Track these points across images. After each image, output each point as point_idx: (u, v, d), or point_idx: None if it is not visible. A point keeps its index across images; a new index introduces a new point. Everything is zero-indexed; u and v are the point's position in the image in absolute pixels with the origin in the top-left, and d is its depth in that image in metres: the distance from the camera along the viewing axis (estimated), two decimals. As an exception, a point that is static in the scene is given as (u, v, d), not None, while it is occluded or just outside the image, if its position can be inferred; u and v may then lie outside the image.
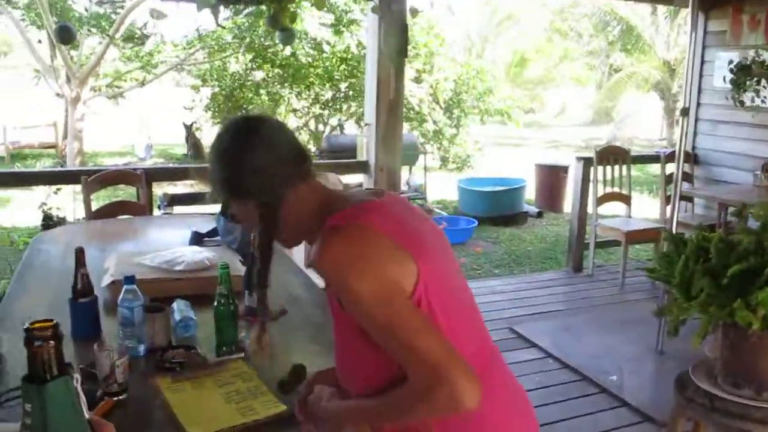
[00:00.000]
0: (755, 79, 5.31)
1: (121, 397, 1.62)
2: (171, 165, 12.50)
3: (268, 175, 1.32)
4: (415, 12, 4.11)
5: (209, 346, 1.93)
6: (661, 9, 15.11)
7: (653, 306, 4.20)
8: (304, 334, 2.15)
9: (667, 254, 1.83)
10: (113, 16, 11.67)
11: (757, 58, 5.29)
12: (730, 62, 5.48)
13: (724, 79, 5.54)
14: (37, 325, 0.73)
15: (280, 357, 1.96)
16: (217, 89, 13.32)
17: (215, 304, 1.91)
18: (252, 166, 1.32)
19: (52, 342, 0.73)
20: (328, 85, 12.23)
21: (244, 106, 12.58)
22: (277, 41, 5.14)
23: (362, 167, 4.85)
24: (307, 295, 2.47)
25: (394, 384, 1.22)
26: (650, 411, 3.27)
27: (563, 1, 20.49)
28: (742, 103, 5.39)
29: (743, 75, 5.39)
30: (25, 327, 0.72)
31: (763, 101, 5.35)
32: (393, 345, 1.19)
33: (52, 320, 0.75)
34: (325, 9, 7.81)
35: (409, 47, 4.80)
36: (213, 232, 3.08)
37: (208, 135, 14.12)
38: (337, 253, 1.20)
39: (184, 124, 13.85)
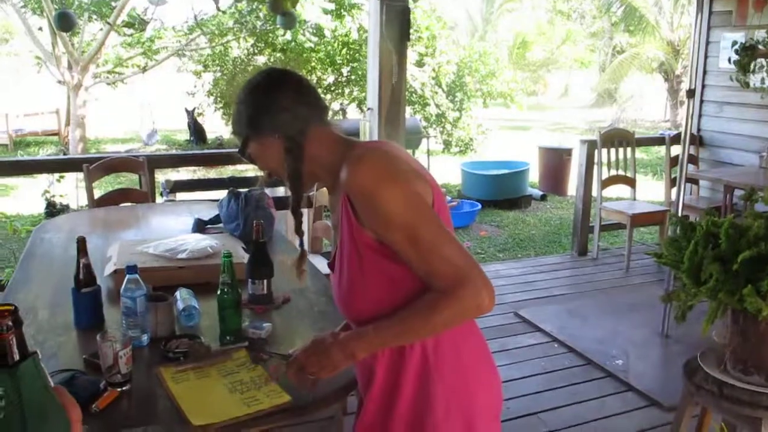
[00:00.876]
0: (762, 60, 5.24)
1: (124, 388, 1.61)
2: (173, 152, 12.48)
3: (294, 112, 1.43)
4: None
5: (213, 336, 1.92)
6: (666, -11, 14.97)
7: (659, 289, 4.18)
8: (308, 321, 2.14)
9: (675, 239, 1.81)
10: (113, 2, 11.59)
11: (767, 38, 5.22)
12: (734, 43, 5.41)
13: (729, 60, 5.47)
14: None
15: (286, 343, 1.94)
16: (219, 74, 13.28)
17: (218, 292, 1.89)
18: (281, 102, 1.43)
19: (14, 327, 0.76)
20: (330, 70, 12.17)
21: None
22: (277, 26, 5.09)
23: (365, 152, 4.82)
24: (311, 283, 2.45)
25: (398, 308, 1.32)
26: (656, 395, 3.26)
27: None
28: (747, 84, 5.33)
29: (747, 56, 5.32)
30: None
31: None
32: (419, 251, 1.28)
33: (11, 305, 0.78)
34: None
35: (411, 31, 4.75)
36: (216, 219, 3.07)
37: (211, 120, 14.08)
38: (369, 168, 1.31)
39: (186, 110, 13.81)
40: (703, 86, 5.88)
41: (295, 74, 1.53)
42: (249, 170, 9.58)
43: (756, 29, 5.35)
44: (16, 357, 0.76)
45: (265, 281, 2.19)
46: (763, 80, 5.33)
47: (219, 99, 13.33)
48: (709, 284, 1.61)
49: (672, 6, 16.11)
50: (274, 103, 1.43)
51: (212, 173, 9.78)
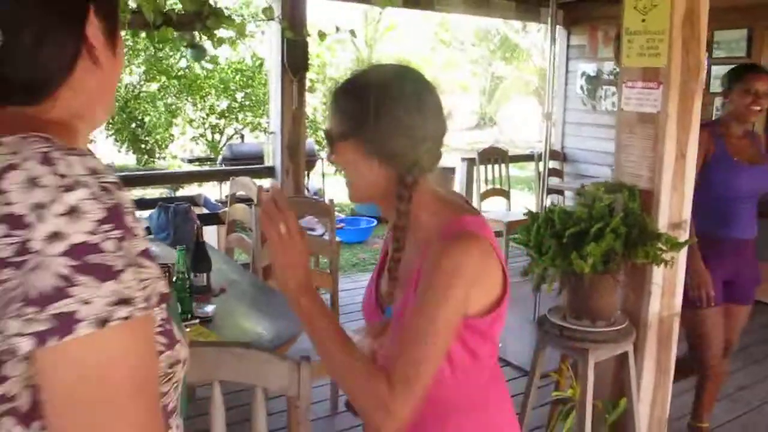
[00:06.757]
0: (604, 88, 6.25)
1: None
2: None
3: (428, 151, 1.27)
4: (323, 36, 4.58)
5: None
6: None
7: (530, 285, 4.86)
8: (244, 302, 2.60)
9: (526, 226, 2.42)
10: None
11: (614, 70, 6.16)
12: (583, 73, 6.35)
13: (582, 89, 6.43)
14: None
15: (229, 320, 2.40)
16: (112, 102, 13.26)
17: (174, 279, 2.33)
18: (425, 133, 1.26)
19: None
20: (223, 96, 12.51)
21: (140, 117, 12.67)
22: (189, 58, 5.48)
23: (269, 172, 5.30)
24: (240, 277, 2.91)
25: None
26: (527, 367, 3.90)
27: (443, 16, 21.44)
28: (594, 107, 6.30)
29: (592, 84, 6.32)
30: None
31: (613, 105, 6.23)
32: (409, 332, 1.17)
33: None
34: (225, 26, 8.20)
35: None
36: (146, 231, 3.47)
37: (102, 148, 14.00)
38: (460, 254, 1.19)
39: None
40: (565, 109, 6.76)
41: (438, 97, 1.33)
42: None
43: (605, 61, 6.26)
44: None
45: (205, 274, 2.64)
46: (614, 104, 6.24)
47: (111, 125, 13.33)
48: (549, 254, 2.21)
49: (543, 37, 17.50)
50: (421, 130, 1.25)
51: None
